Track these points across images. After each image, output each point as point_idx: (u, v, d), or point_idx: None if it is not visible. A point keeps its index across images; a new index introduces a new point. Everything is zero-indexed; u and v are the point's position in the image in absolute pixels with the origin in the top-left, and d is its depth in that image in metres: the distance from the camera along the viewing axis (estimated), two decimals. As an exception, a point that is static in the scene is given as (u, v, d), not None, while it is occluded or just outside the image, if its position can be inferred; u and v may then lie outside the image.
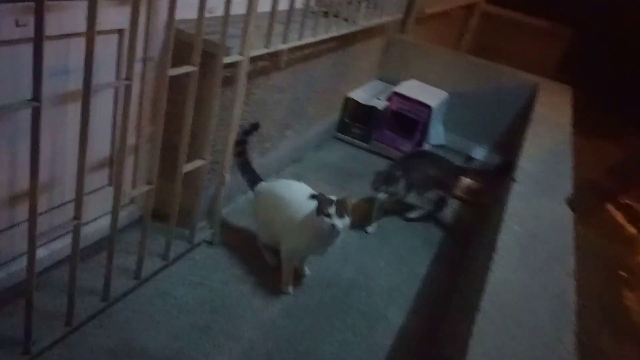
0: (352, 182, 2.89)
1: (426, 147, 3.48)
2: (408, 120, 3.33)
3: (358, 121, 3.35)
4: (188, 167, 1.77)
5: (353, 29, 2.75)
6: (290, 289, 1.95)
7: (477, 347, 1.07)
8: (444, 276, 2.28)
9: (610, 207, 3.97)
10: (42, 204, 1.58)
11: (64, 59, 1.50)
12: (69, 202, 1.75)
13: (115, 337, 1.58)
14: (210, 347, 1.64)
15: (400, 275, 2.22)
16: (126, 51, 1.67)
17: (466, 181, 3.18)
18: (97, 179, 1.84)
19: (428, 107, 3.29)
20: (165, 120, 1.59)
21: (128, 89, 1.35)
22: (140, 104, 1.83)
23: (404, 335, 1.88)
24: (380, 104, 3.33)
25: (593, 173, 4.44)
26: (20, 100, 1.19)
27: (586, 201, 3.84)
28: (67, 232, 1.49)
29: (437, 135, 3.59)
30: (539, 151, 2.38)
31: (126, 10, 1.59)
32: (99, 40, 1.26)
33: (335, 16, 2.56)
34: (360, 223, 2.42)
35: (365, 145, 3.37)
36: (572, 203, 1.96)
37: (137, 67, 1.73)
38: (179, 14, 1.48)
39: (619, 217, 3.87)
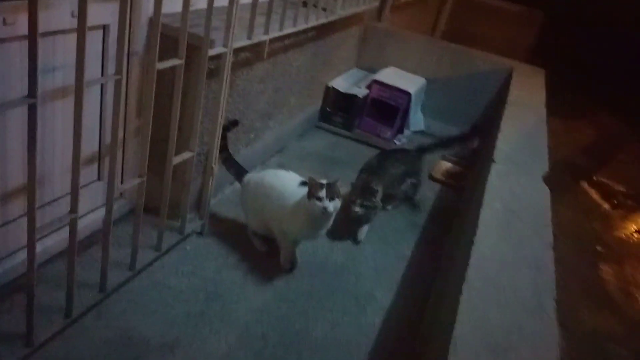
0: (336, 169, 2.94)
1: (404, 135, 3.55)
2: (388, 107, 3.39)
3: (339, 110, 3.41)
4: (176, 159, 1.80)
5: (331, 18, 2.79)
6: (289, 264, 2.04)
7: (465, 314, 1.14)
8: (428, 256, 2.36)
9: (585, 185, 4.10)
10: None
11: (51, 56, 1.52)
12: (60, 198, 1.77)
13: (114, 327, 1.62)
14: (207, 332, 1.69)
15: (387, 258, 2.29)
16: (111, 46, 1.70)
17: (446, 165, 3.28)
18: (86, 174, 1.86)
19: (407, 93, 3.36)
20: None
21: (118, 84, 1.38)
22: (126, 99, 1.85)
23: (392, 314, 1.96)
24: (361, 92, 3.38)
25: (568, 152, 4.58)
26: (11, 98, 1.21)
27: (562, 180, 3.97)
28: (62, 227, 1.51)
29: (416, 121, 3.66)
30: (516, 132, 2.47)
31: (110, 6, 1.62)
32: (85, 36, 1.28)
33: (314, 6, 2.60)
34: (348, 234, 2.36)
35: (347, 133, 3.42)
36: (549, 181, 2.05)
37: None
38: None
39: (594, 194, 4.00)
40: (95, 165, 1.91)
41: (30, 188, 1.22)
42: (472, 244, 1.44)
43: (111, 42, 1.70)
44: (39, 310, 1.44)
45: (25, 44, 1.11)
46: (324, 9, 2.73)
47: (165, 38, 1.68)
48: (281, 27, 2.27)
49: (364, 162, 2.59)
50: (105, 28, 1.68)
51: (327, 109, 3.43)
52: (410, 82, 3.49)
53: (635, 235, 3.53)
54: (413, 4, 4.83)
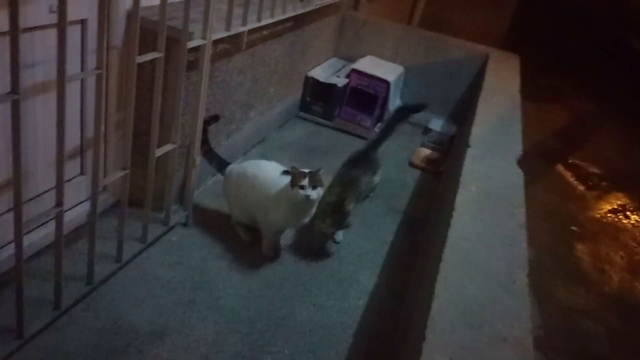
0: (317, 158, 2.98)
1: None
2: (367, 96, 3.44)
3: (319, 99, 3.44)
4: (159, 151, 1.82)
5: (308, 8, 2.82)
6: (272, 252, 2.09)
7: (442, 290, 1.20)
8: (409, 240, 2.43)
9: (561, 168, 4.22)
10: (19, 195, 1.61)
11: (30, 52, 1.53)
12: (44, 193, 1.79)
13: (103, 317, 1.65)
14: (195, 319, 1.73)
15: (369, 242, 2.35)
16: (90, 41, 1.71)
17: (425, 151, 3.35)
18: (69, 168, 1.88)
19: (386, 82, 3.40)
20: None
21: (99, 78, 1.40)
22: (107, 93, 1.86)
23: (375, 296, 2.02)
24: (340, 81, 3.42)
25: (543, 136, 4.69)
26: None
27: (537, 163, 4.07)
28: (48, 221, 1.53)
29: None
30: (491, 117, 2.54)
31: (88, 0, 1.63)
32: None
33: (291, -4, 2.63)
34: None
35: (327, 122, 3.46)
36: (523, 164, 2.12)
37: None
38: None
39: (569, 176, 4.11)
40: (78, 160, 1.93)
41: (16, 183, 1.24)
42: (449, 225, 1.50)
43: (90, 36, 1.71)
44: (28, 303, 1.46)
45: (4, 40, 1.12)
46: (301, 0, 2.76)
47: (144, 31, 1.70)
48: (259, 18, 2.29)
49: (346, 158, 2.53)
50: (83, 22, 1.68)
51: (307, 98, 3.46)
52: (388, 71, 3.54)
53: (609, 215, 3.66)
54: (389, -7, 4.87)
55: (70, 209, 1.90)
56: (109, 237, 1.89)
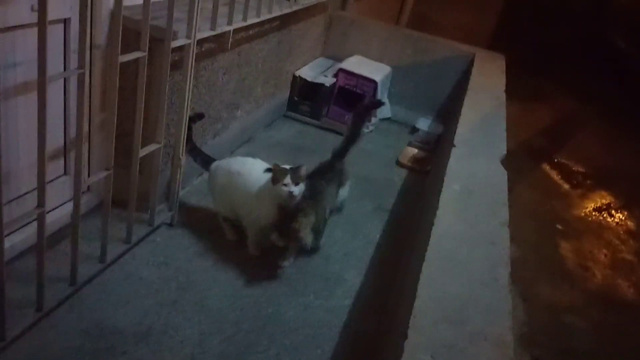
0: (304, 158, 2.97)
1: (372, 122, 3.60)
2: (355, 95, 3.44)
3: (307, 99, 3.44)
4: (143, 151, 1.81)
5: (295, 7, 2.82)
6: (258, 251, 2.08)
7: (424, 288, 1.21)
8: (395, 239, 2.44)
9: (546, 166, 4.26)
10: (0, 196, 1.60)
11: (11, 52, 1.51)
12: (26, 193, 1.77)
13: (87, 319, 1.64)
14: (180, 320, 1.73)
15: (356, 241, 2.35)
16: (72, 40, 1.69)
17: (412, 151, 3.36)
18: (52, 169, 1.86)
19: (373, 81, 3.41)
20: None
21: (81, 77, 1.39)
22: (90, 92, 1.85)
23: (361, 295, 2.03)
24: (327, 80, 3.42)
25: (528, 135, 4.73)
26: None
27: (522, 161, 4.11)
28: (30, 222, 1.52)
29: (383, 108, 3.73)
30: (476, 117, 2.56)
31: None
32: (47, 31, 1.28)
33: (277, -4, 2.63)
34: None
35: (315, 121, 3.46)
36: (507, 163, 2.14)
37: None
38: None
39: (554, 175, 4.16)
40: (61, 160, 1.91)
41: (-5, 183, 1.23)
42: (432, 224, 1.51)
43: (72, 36, 1.69)
44: (10, 305, 1.45)
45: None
46: (288, -1, 2.76)
47: (127, 31, 1.69)
48: (245, 18, 2.29)
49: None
50: (66, 22, 1.67)
51: (295, 98, 3.46)
52: (376, 70, 3.55)
53: (594, 213, 3.70)
54: (377, -8, 4.88)
55: (53, 209, 1.89)
56: (92, 237, 1.88)
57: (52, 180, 1.85)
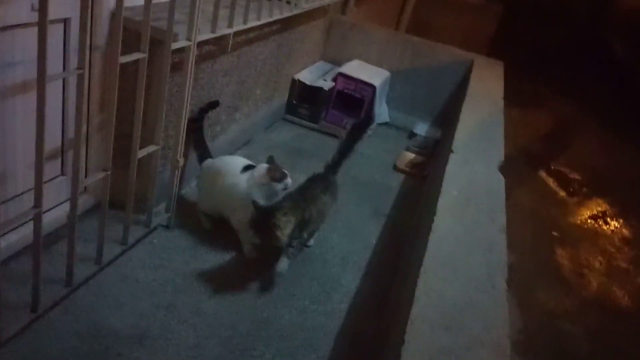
0: (302, 161, 2.99)
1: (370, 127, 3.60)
2: (354, 99, 3.45)
3: (305, 102, 3.44)
4: (141, 153, 1.81)
5: (295, 11, 2.82)
6: (254, 253, 2.09)
7: (422, 293, 1.21)
8: (392, 243, 2.44)
9: (543, 174, 4.27)
10: (-3, 195, 1.59)
11: (10, 51, 1.51)
12: (23, 193, 1.76)
13: (82, 320, 1.63)
14: (176, 323, 1.72)
15: (353, 245, 2.35)
16: (72, 40, 1.69)
17: (410, 156, 3.37)
18: (49, 169, 1.85)
19: (372, 86, 3.42)
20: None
21: (81, 78, 1.38)
22: (89, 93, 1.85)
23: (357, 300, 2.02)
24: (326, 84, 3.43)
25: (526, 141, 4.75)
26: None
27: (520, 168, 4.12)
28: (26, 222, 1.51)
29: (381, 113, 3.74)
30: (474, 123, 2.56)
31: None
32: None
33: (278, -1, 2.63)
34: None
35: (313, 125, 3.47)
36: (504, 169, 2.15)
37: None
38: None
39: (551, 182, 4.17)
40: (59, 161, 1.90)
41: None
42: (430, 229, 1.51)
43: (73, 36, 1.69)
44: (4, 306, 1.44)
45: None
46: (288, 2, 2.76)
47: (127, 31, 1.69)
48: (245, 21, 2.29)
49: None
50: (66, 22, 1.67)
51: (293, 101, 3.46)
52: (375, 75, 3.56)
53: (590, 220, 3.71)
54: (377, -3, 4.90)
55: (49, 210, 1.88)
56: (89, 238, 1.87)
57: (48, 181, 1.84)
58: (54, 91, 1.73)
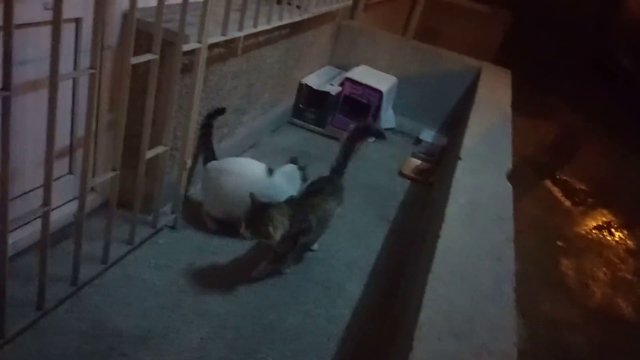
0: (310, 164, 2.97)
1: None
2: (360, 104, 3.45)
3: (312, 106, 3.45)
4: (150, 153, 1.81)
5: (305, 16, 2.83)
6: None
7: (430, 301, 1.21)
8: (397, 249, 2.43)
9: (549, 183, 4.26)
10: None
11: (22, 49, 1.51)
12: (30, 191, 1.77)
13: (87, 319, 1.63)
14: (180, 324, 1.71)
15: (358, 250, 2.35)
16: (84, 40, 1.70)
17: (415, 162, 3.36)
18: (58, 167, 1.85)
19: (379, 91, 3.42)
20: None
21: (92, 78, 1.39)
22: (99, 93, 1.85)
23: (362, 305, 2.02)
24: (333, 89, 3.43)
25: (533, 150, 4.74)
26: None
27: (526, 177, 4.11)
28: (33, 220, 1.51)
29: (387, 118, 3.74)
30: (482, 130, 2.56)
31: (84, -1, 1.62)
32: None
33: (289, 3, 2.64)
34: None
35: (320, 129, 3.47)
36: (512, 178, 2.14)
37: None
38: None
39: (557, 192, 4.16)
40: (67, 159, 1.91)
41: (3, 181, 1.22)
42: (438, 236, 1.51)
43: (84, 35, 1.70)
44: (10, 303, 1.43)
45: (-4, 36, 1.11)
46: (298, 7, 2.77)
47: (140, 33, 1.69)
48: (255, 24, 2.29)
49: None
50: (78, 21, 1.68)
51: (300, 105, 3.46)
52: (382, 81, 3.56)
53: (594, 231, 3.70)
54: (386, 3, 4.91)
55: (57, 208, 1.88)
56: (95, 237, 1.87)
57: (57, 179, 1.85)
58: (64, 90, 1.73)
